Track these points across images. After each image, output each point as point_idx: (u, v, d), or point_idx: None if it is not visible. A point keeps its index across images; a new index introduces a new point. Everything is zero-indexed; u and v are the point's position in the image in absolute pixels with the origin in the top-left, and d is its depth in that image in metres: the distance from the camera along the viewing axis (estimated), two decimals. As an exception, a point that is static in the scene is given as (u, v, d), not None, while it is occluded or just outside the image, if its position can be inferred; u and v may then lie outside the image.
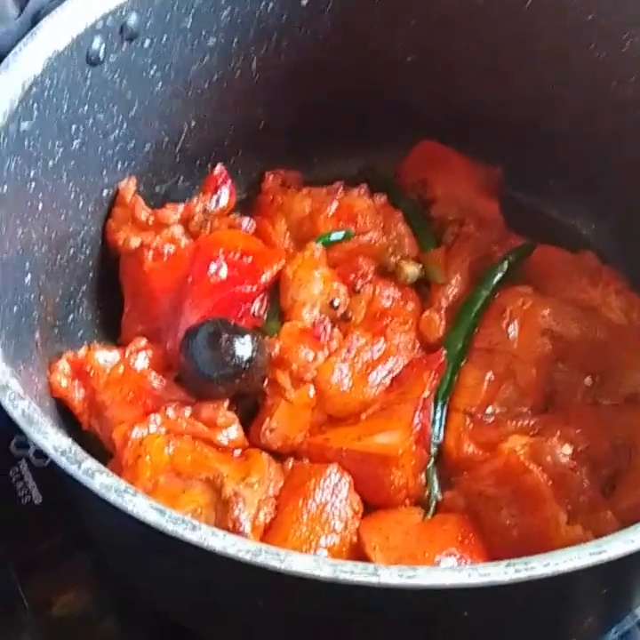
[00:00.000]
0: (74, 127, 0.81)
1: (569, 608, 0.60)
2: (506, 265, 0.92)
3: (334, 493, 0.76)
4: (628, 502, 0.75)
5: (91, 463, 0.56)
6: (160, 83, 0.88)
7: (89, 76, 0.80)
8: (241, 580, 0.56)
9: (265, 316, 0.88)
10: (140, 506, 0.52)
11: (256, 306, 0.89)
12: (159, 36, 0.85)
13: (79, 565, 0.86)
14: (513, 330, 0.86)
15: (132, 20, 0.81)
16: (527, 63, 0.93)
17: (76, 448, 0.58)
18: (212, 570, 0.56)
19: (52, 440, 0.58)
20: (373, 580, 0.48)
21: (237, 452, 0.81)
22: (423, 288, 0.93)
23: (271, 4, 0.90)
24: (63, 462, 0.57)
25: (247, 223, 0.94)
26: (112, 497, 0.53)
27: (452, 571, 0.49)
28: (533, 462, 0.75)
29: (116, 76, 0.83)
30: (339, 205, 0.94)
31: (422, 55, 0.96)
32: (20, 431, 0.60)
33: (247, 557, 0.50)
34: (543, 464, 0.75)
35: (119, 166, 0.89)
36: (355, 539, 0.75)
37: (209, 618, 0.68)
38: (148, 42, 0.84)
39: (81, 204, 0.85)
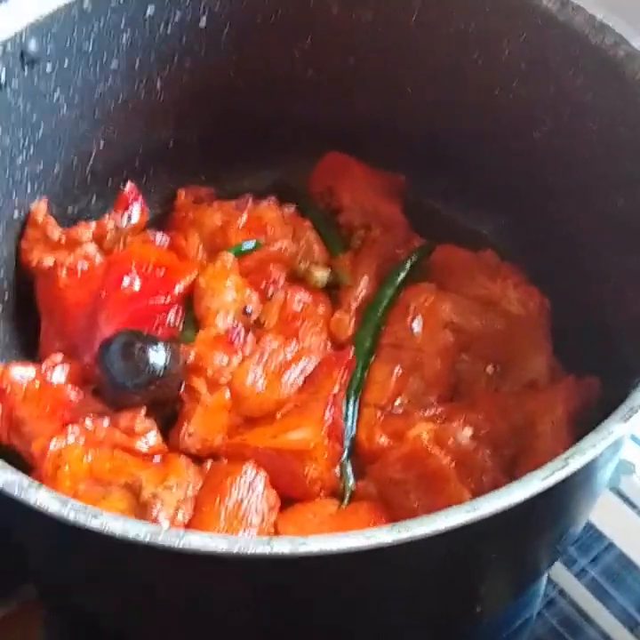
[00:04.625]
0: (-21, 152, 0.83)
1: (461, 573, 0.63)
2: (408, 264, 0.96)
3: (250, 489, 0.79)
4: (528, 479, 0.79)
5: (-8, 464, 0.58)
6: (65, 106, 0.90)
7: (-8, 101, 0.83)
8: (147, 565, 0.58)
9: (181, 326, 0.91)
10: (43, 498, 0.54)
11: (171, 316, 0.91)
12: (61, 60, 0.87)
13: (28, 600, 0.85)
14: (417, 325, 0.91)
15: (32, 45, 0.83)
16: (418, 73, 0.98)
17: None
18: (119, 559, 0.58)
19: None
20: (266, 550, 0.51)
21: (157, 458, 0.83)
22: (333, 291, 0.96)
23: (170, 28, 0.93)
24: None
25: (160, 238, 0.97)
26: (16, 492, 0.55)
27: (341, 537, 0.52)
28: (436, 446, 0.78)
29: (19, 100, 0.85)
30: (248, 217, 0.97)
31: (319, 71, 1.00)
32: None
33: (147, 539, 0.52)
34: (446, 447, 0.78)
35: (29, 189, 0.91)
36: (272, 531, 0.78)
37: (129, 615, 0.69)
38: (49, 66, 0.86)
39: (-10, 227, 0.87)
